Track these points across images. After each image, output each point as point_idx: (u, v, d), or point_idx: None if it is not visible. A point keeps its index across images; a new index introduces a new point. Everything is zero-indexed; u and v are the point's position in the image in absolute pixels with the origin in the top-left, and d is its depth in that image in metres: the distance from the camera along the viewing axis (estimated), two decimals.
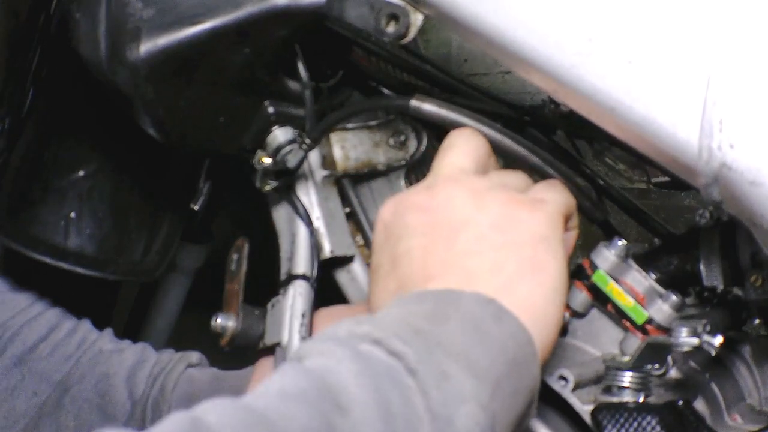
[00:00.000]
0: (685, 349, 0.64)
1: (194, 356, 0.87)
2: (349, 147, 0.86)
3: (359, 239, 0.88)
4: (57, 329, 0.87)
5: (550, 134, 0.92)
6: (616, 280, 0.72)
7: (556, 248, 0.61)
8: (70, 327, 0.88)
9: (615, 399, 0.65)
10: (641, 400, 0.64)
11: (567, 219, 0.67)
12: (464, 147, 0.69)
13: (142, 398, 0.82)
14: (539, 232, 0.61)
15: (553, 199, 0.65)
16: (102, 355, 0.86)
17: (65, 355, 0.85)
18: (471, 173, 0.66)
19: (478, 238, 0.61)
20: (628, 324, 0.71)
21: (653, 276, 0.72)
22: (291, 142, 0.79)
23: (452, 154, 0.68)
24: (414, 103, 0.76)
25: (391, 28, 0.77)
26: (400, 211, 0.64)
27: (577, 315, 0.73)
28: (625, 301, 0.71)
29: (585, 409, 0.64)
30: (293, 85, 0.80)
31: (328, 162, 0.85)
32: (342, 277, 0.87)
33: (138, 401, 0.82)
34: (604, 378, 0.66)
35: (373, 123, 0.87)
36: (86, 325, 0.90)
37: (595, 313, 0.73)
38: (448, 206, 0.63)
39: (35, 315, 0.88)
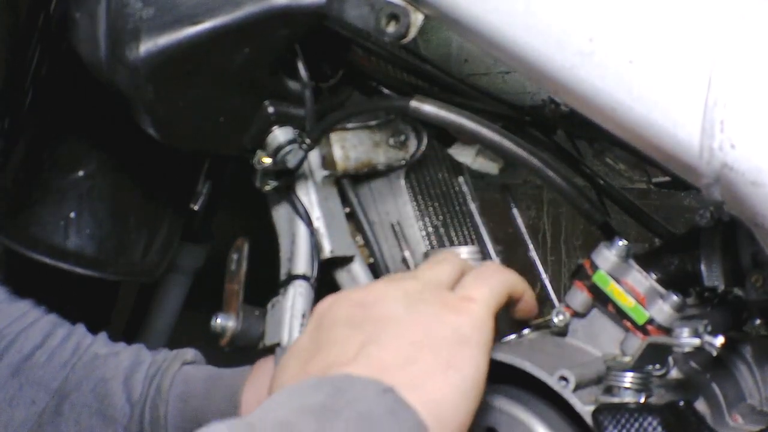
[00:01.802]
0: (687, 349, 0.64)
1: (189, 353, 0.87)
2: (349, 147, 0.86)
3: (359, 239, 0.88)
4: (52, 336, 0.87)
5: (551, 134, 0.92)
6: (617, 281, 0.72)
7: (476, 350, 0.62)
8: (65, 333, 0.88)
9: (616, 399, 0.64)
10: (642, 400, 0.64)
11: (510, 301, 0.70)
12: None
13: (140, 400, 0.82)
14: (462, 333, 0.62)
15: (482, 296, 0.66)
16: (98, 359, 0.86)
17: (61, 361, 0.85)
18: (409, 278, 0.69)
19: (400, 333, 0.62)
20: (628, 324, 0.71)
21: (654, 276, 0.72)
22: (291, 142, 0.79)
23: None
24: (414, 103, 0.76)
25: (391, 28, 0.77)
26: (337, 304, 0.67)
27: (578, 315, 0.73)
28: (625, 301, 0.71)
29: (586, 410, 0.64)
30: (293, 85, 0.80)
31: (328, 162, 0.85)
32: (342, 277, 0.87)
33: (136, 403, 0.82)
34: (604, 378, 0.66)
35: (373, 123, 0.87)
36: (80, 329, 0.90)
37: (595, 313, 0.73)
38: (380, 304, 0.65)
39: (30, 323, 0.87)
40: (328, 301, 0.68)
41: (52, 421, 0.82)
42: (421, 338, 0.62)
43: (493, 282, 0.68)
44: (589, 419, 0.63)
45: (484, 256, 0.84)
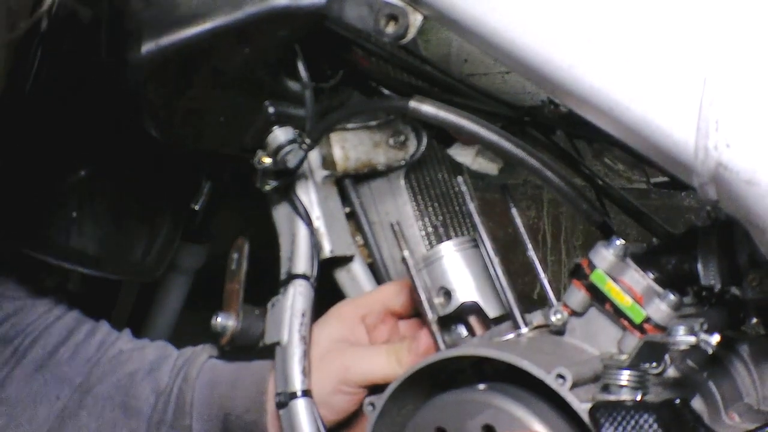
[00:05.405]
0: (683, 347, 0.64)
1: (215, 349, 0.87)
2: (349, 147, 0.86)
3: (359, 239, 0.88)
4: (76, 332, 0.87)
5: (550, 134, 0.92)
6: (615, 280, 0.72)
7: None
8: (89, 329, 0.88)
9: (613, 397, 0.65)
10: (639, 398, 0.64)
11: None
12: None
13: (165, 390, 0.82)
14: None
15: None
16: (122, 354, 0.86)
17: (86, 357, 0.85)
18: None
19: None
20: (626, 323, 0.71)
21: (651, 275, 0.72)
22: (291, 142, 0.80)
23: None
24: (413, 104, 0.76)
25: (390, 29, 0.77)
26: None
27: (576, 314, 0.74)
28: (623, 300, 0.71)
29: (583, 408, 0.64)
30: (293, 85, 0.81)
31: (328, 162, 0.85)
32: (342, 276, 0.87)
33: (162, 393, 0.82)
34: (602, 376, 0.66)
35: (373, 123, 0.87)
36: (105, 326, 0.90)
37: (593, 312, 0.73)
38: None
39: (54, 320, 0.88)
40: None
41: (74, 415, 0.82)
42: None
43: None
44: (586, 417, 0.64)
45: (476, 244, 0.84)
